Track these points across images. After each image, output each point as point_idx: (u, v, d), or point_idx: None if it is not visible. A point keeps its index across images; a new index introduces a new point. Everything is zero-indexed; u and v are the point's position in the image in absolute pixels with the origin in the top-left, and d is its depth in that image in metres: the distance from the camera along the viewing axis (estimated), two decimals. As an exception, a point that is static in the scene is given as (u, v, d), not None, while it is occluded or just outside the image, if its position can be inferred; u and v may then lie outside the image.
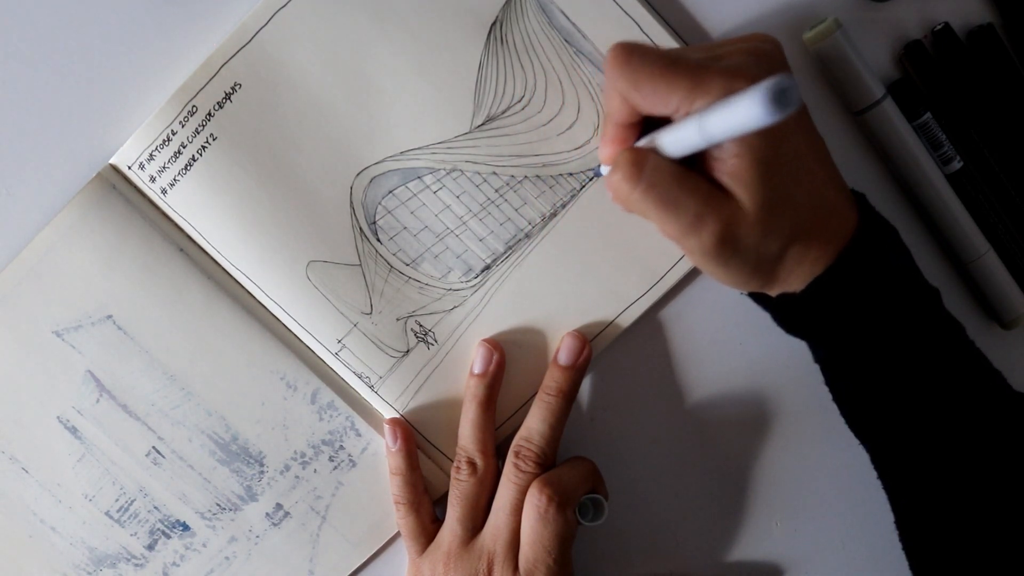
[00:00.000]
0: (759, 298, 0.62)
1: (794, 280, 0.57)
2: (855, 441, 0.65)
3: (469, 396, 0.66)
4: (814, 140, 0.57)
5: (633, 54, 0.53)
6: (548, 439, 0.65)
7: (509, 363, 0.67)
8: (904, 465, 0.61)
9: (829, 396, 0.67)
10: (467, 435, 0.66)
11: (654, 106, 0.53)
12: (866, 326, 0.58)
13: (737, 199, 0.53)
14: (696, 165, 0.54)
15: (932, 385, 0.58)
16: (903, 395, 0.59)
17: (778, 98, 0.41)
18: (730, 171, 0.53)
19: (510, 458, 0.65)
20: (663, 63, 0.52)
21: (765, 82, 0.41)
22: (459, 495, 0.66)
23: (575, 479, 0.65)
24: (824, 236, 0.56)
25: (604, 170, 0.63)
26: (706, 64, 0.52)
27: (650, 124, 0.56)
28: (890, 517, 0.65)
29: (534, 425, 0.65)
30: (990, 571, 0.59)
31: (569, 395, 0.66)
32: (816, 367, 0.63)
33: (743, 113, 0.43)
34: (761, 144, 0.52)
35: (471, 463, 0.66)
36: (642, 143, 0.55)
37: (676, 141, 0.52)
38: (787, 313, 0.60)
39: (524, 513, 0.64)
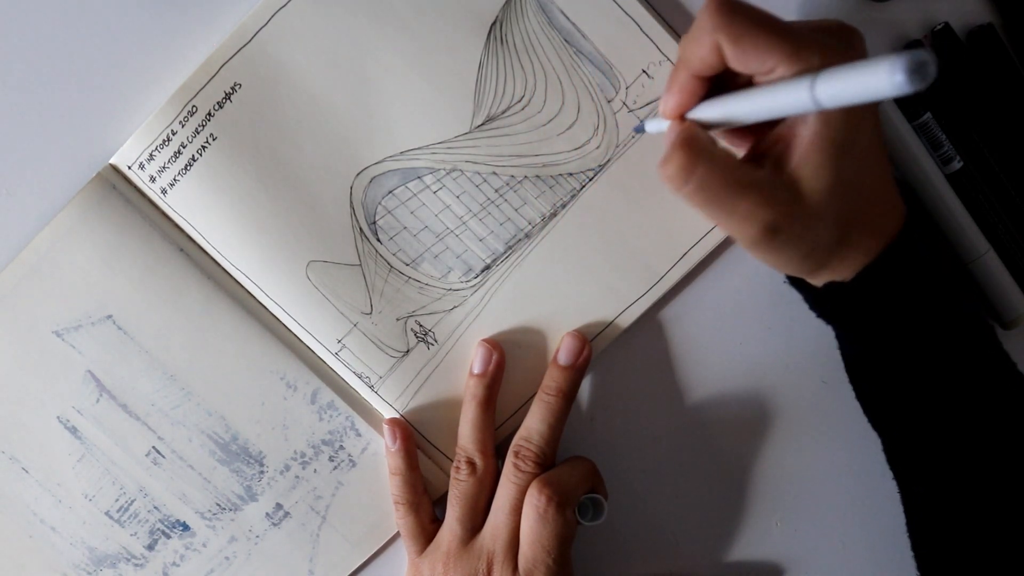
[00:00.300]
0: (798, 281, 0.62)
1: (845, 268, 0.57)
2: (855, 441, 0.65)
3: (468, 396, 0.66)
4: (880, 132, 0.56)
5: (739, 5, 0.51)
6: (548, 439, 0.65)
7: (509, 363, 0.67)
8: (921, 460, 0.61)
9: (829, 396, 0.67)
10: (466, 435, 0.66)
11: (747, 62, 0.51)
12: (905, 318, 0.57)
13: (798, 182, 0.52)
14: (761, 140, 0.54)
15: (960, 383, 0.58)
16: (930, 390, 0.58)
17: (918, 70, 0.39)
18: (803, 152, 0.52)
19: (509, 458, 0.65)
20: (767, 21, 0.51)
21: (907, 53, 0.40)
22: (458, 495, 0.66)
23: (574, 479, 0.65)
24: (879, 227, 0.56)
25: (650, 125, 0.62)
26: (806, 34, 0.51)
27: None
28: (890, 517, 0.65)
29: (533, 425, 0.65)
30: (999, 572, 0.59)
31: (569, 395, 0.66)
32: (815, 365, 0.63)
33: (875, 80, 0.41)
34: (841, 128, 0.52)
35: (471, 463, 0.66)
36: (714, 110, 0.53)
37: (774, 103, 0.49)
38: (830, 301, 0.60)
39: (524, 513, 0.64)
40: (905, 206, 0.58)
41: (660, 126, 0.59)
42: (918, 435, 0.60)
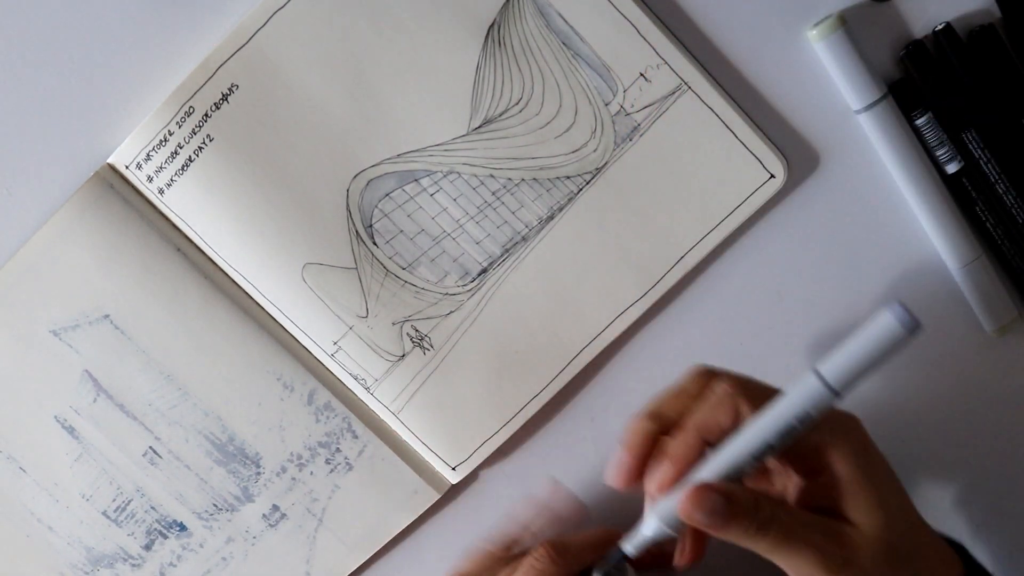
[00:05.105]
0: None
1: None
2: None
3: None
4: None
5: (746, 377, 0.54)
6: None
7: (505, 369, 0.68)
8: None
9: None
10: None
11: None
12: None
13: (850, 522, 0.52)
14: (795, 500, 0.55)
15: None
16: None
17: (909, 312, 0.44)
18: (846, 497, 0.52)
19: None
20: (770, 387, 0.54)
21: (890, 306, 0.44)
22: None
23: (582, 542, 0.63)
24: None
25: (650, 527, 0.55)
26: None
27: None
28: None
29: None
30: None
31: None
32: (815, 355, 0.63)
33: (879, 331, 0.45)
34: (868, 467, 0.53)
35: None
36: (716, 466, 0.52)
37: (788, 412, 0.50)
38: None
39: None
40: (960, 563, 0.57)
41: (656, 526, 0.55)
42: None
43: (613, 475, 0.56)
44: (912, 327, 0.45)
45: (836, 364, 0.48)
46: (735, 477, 0.52)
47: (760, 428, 0.51)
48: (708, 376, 0.56)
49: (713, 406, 0.53)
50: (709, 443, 0.53)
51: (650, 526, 0.55)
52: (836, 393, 0.49)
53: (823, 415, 0.50)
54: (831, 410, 0.51)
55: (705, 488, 0.51)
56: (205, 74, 0.64)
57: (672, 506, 0.52)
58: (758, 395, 0.53)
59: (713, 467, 0.52)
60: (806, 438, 0.51)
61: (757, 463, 0.52)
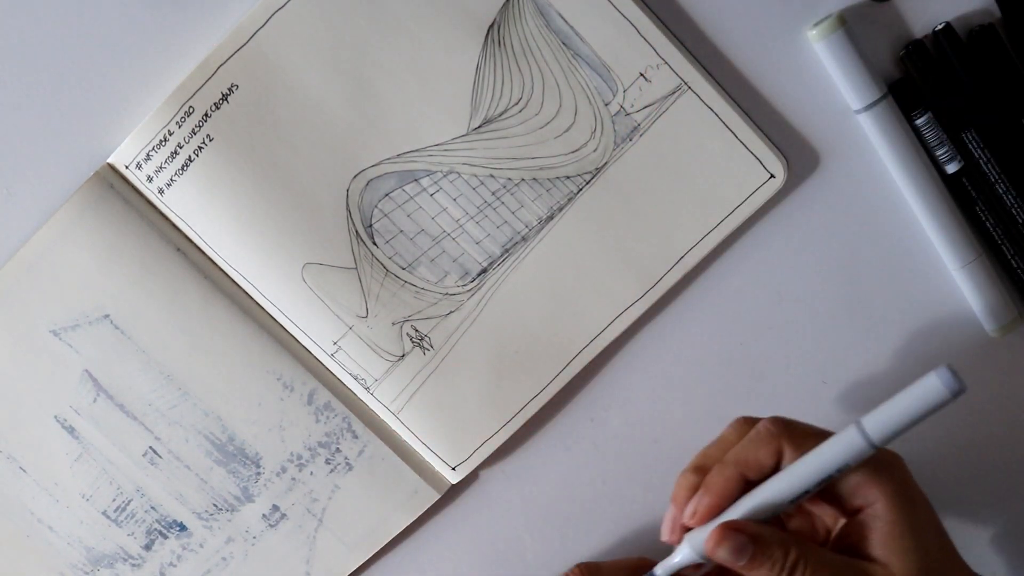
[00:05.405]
0: None
1: None
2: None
3: None
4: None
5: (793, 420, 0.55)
6: None
7: (504, 369, 0.68)
8: None
9: (829, 396, 0.67)
10: None
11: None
12: None
13: (886, 567, 0.52)
14: (829, 542, 0.56)
15: None
16: None
17: (956, 377, 0.46)
18: (882, 538, 0.52)
19: None
20: (817, 430, 0.54)
21: (937, 369, 0.46)
22: None
23: (614, 566, 0.64)
24: None
25: (680, 554, 0.56)
26: None
27: None
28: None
29: None
30: None
31: None
32: (815, 365, 0.63)
33: (929, 393, 0.47)
34: (908, 508, 0.52)
35: None
36: (750, 505, 0.53)
37: (828, 461, 0.51)
38: None
39: None
40: None
41: (687, 554, 0.55)
42: None
43: (664, 530, 0.57)
44: (957, 392, 0.46)
45: (880, 421, 0.49)
46: (769, 517, 0.53)
47: (798, 475, 0.52)
48: (749, 424, 0.57)
49: (754, 442, 0.54)
50: (748, 479, 0.54)
51: (681, 554, 0.56)
52: (875, 448, 0.50)
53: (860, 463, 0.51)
54: None
55: (731, 527, 0.52)
56: (205, 74, 0.64)
57: (704, 537, 0.53)
58: (799, 435, 0.53)
59: (747, 506, 0.53)
60: (847, 476, 0.52)
61: (792, 506, 0.53)
